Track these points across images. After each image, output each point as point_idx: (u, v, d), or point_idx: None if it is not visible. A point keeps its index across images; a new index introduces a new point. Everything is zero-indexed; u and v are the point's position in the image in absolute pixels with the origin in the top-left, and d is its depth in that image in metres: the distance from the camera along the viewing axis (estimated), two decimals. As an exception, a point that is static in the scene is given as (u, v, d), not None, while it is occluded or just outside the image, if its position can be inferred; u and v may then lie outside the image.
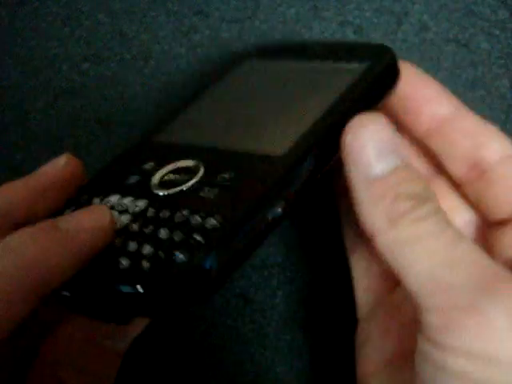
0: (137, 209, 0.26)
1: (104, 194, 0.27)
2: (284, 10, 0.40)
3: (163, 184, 0.27)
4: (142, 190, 0.27)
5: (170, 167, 0.28)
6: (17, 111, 0.37)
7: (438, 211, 0.23)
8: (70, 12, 0.39)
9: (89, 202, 0.27)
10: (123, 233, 0.25)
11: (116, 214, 0.26)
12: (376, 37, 0.39)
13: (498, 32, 0.39)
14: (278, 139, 0.28)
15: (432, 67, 0.39)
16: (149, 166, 0.28)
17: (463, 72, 0.39)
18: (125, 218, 0.26)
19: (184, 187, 0.27)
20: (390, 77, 0.30)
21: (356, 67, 0.30)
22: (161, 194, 0.27)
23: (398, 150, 0.24)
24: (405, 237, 0.22)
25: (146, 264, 0.23)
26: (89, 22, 0.39)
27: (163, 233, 0.24)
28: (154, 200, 0.26)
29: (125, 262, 0.23)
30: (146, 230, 0.25)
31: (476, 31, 0.39)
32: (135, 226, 0.25)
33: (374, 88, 0.29)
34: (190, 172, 0.27)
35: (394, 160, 0.23)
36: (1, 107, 0.34)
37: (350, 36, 0.39)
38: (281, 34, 0.39)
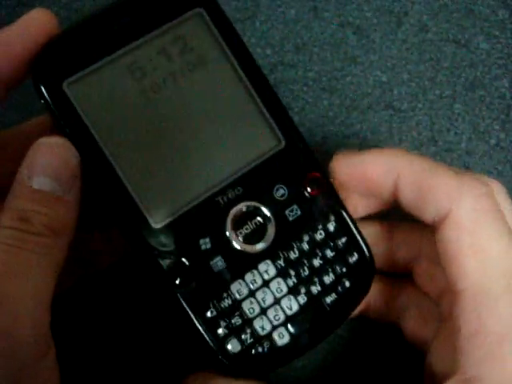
0: (268, 277, 0.26)
1: (224, 288, 0.26)
2: (284, 10, 0.40)
3: (247, 239, 0.26)
4: (243, 260, 0.26)
5: (235, 225, 0.27)
6: (17, 111, 0.36)
7: None
8: (70, 13, 0.39)
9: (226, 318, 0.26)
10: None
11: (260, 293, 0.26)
12: (376, 37, 0.39)
13: (497, 32, 0.39)
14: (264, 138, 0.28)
15: (432, 67, 0.39)
16: (208, 240, 0.26)
17: (463, 72, 0.39)
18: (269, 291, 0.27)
19: (272, 232, 0.27)
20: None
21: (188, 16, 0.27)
22: (259, 247, 0.26)
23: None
24: None
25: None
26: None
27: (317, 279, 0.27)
28: (260, 258, 0.26)
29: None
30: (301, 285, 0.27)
31: (476, 31, 0.39)
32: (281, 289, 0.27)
33: None
34: (251, 214, 0.27)
35: None
36: (1, 108, 0.34)
37: (350, 36, 0.39)
38: (281, 33, 0.39)
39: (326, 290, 0.27)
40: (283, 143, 0.27)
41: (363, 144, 0.37)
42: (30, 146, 0.24)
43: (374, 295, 0.31)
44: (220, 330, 0.26)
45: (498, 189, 0.26)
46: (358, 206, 0.29)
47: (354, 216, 0.28)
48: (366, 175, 0.27)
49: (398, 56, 0.39)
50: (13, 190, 0.23)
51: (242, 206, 0.27)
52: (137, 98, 0.26)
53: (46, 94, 0.25)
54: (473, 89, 0.38)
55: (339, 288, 0.27)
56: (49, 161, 0.23)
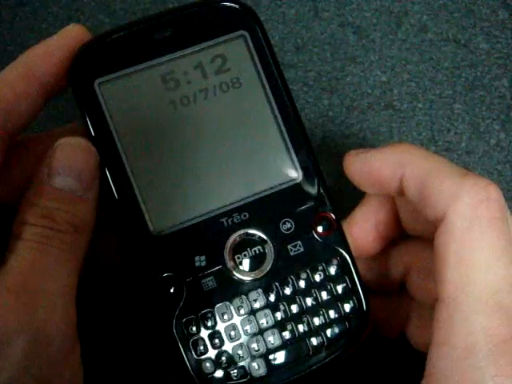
0: (256, 306, 0.26)
1: (210, 310, 0.26)
2: (284, 10, 0.40)
3: (243, 266, 0.26)
4: (234, 287, 0.26)
5: (232, 251, 0.26)
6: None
7: None
8: (70, 13, 0.39)
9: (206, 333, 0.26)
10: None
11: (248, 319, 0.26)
12: (376, 37, 0.39)
13: (497, 32, 0.39)
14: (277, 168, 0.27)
15: (432, 67, 0.39)
16: (204, 259, 0.26)
17: (463, 72, 0.39)
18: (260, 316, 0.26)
19: (269, 263, 0.26)
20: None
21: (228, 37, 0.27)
22: (253, 276, 0.26)
23: None
24: None
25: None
26: (89, 23, 0.39)
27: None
28: (253, 286, 0.26)
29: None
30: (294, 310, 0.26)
31: (476, 31, 0.39)
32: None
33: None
34: (252, 242, 0.27)
35: None
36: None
37: (350, 36, 0.39)
38: (281, 33, 0.39)
39: (313, 331, 0.26)
40: (300, 178, 0.27)
41: (363, 144, 0.37)
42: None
43: (375, 313, 0.30)
44: (197, 349, 0.25)
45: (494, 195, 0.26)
46: None
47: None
48: (373, 173, 0.27)
49: (398, 56, 0.39)
50: (34, 189, 0.24)
51: (245, 232, 0.26)
52: (164, 108, 0.26)
53: (77, 90, 0.26)
54: (473, 89, 0.38)
55: (326, 333, 0.26)
56: (70, 161, 0.24)
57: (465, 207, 0.24)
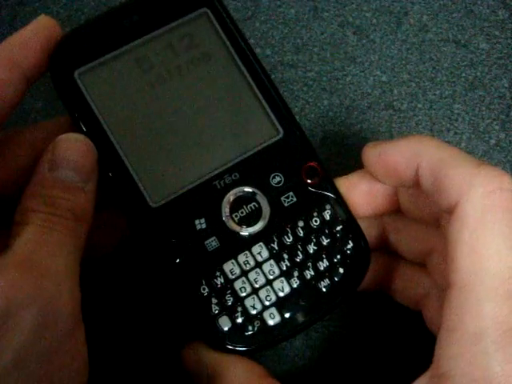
0: (261, 259, 0.28)
1: (217, 265, 0.27)
2: (284, 10, 0.40)
3: (242, 222, 0.28)
4: (237, 242, 0.27)
5: (230, 207, 0.28)
6: (17, 111, 0.36)
7: None
8: (70, 12, 0.39)
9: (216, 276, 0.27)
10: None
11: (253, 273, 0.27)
12: (376, 37, 0.39)
13: (497, 32, 0.39)
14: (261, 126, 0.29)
15: (432, 67, 0.39)
16: (204, 221, 0.28)
17: (463, 72, 0.39)
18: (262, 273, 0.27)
19: (267, 216, 0.28)
20: None
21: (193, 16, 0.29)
22: (253, 230, 0.28)
23: None
24: None
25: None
26: (89, 23, 0.39)
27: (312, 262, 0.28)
28: (254, 240, 0.28)
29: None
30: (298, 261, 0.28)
31: (475, 31, 0.39)
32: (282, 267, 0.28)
33: None
34: (247, 199, 0.28)
35: None
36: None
37: (350, 36, 0.39)
38: (281, 33, 0.39)
39: (320, 275, 0.28)
40: (281, 133, 0.29)
41: (363, 144, 0.37)
42: (48, 142, 0.26)
43: (393, 275, 0.31)
44: (211, 307, 0.27)
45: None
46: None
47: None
48: (389, 165, 0.27)
49: (398, 56, 0.39)
50: (36, 180, 0.25)
51: (238, 191, 0.28)
52: (143, 88, 0.28)
53: (58, 83, 0.27)
54: (473, 89, 0.38)
55: (333, 275, 0.28)
56: (70, 154, 0.25)
57: (478, 196, 0.24)
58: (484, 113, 0.38)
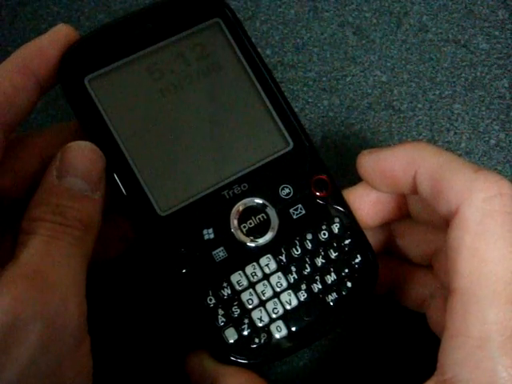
0: (268, 271, 0.27)
1: (225, 276, 0.27)
2: (284, 10, 0.40)
3: (250, 233, 0.27)
4: (244, 254, 0.27)
5: (238, 219, 0.28)
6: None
7: None
8: (70, 13, 0.39)
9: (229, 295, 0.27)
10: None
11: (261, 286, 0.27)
12: (376, 37, 0.39)
13: (497, 32, 0.39)
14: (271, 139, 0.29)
15: (432, 67, 0.39)
16: (212, 231, 0.27)
17: (462, 72, 0.39)
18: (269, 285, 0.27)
19: (275, 228, 0.28)
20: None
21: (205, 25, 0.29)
22: (261, 241, 0.27)
23: None
24: None
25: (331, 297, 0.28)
26: (89, 23, 0.39)
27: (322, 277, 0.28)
28: (262, 252, 0.27)
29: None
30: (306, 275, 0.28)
31: (475, 32, 0.39)
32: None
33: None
34: (256, 210, 0.28)
35: None
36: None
37: (350, 36, 0.39)
38: (281, 33, 0.39)
39: (327, 289, 0.27)
40: (291, 145, 0.29)
41: (363, 144, 0.37)
42: (56, 146, 0.26)
43: (399, 278, 0.31)
44: (218, 319, 0.26)
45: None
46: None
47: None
48: (386, 172, 0.27)
49: (398, 56, 0.39)
50: (44, 188, 0.25)
51: (247, 201, 0.28)
52: (153, 96, 0.28)
53: (68, 88, 0.27)
54: (473, 89, 0.38)
55: (341, 288, 0.28)
56: (79, 163, 0.25)
57: (478, 201, 0.24)
58: (484, 113, 0.38)
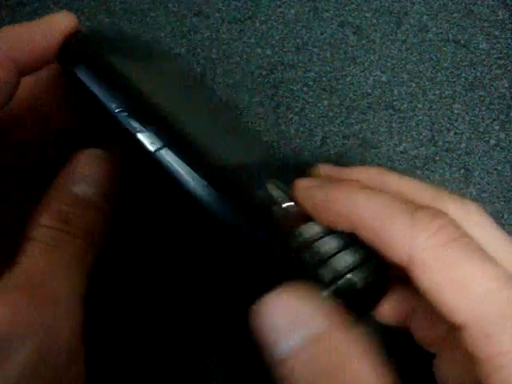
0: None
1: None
2: (284, 10, 0.40)
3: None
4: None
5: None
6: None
7: None
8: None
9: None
10: None
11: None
12: (376, 37, 0.39)
13: (497, 32, 0.39)
14: None
15: (432, 67, 0.39)
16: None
17: (462, 72, 0.39)
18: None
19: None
20: None
21: None
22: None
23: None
24: None
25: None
26: (89, 23, 0.39)
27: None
28: None
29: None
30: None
31: (475, 32, 0.39)
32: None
33: None
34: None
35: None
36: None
37: (350, 36, 0.39)
38: (281, 33, 0.39)
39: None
40: None
41: (363, 144, 0.37)
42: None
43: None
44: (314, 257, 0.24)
45: (473, 209, 0.25)
46: None
47: None
48: (330, 212, 0.25)
49: (398, 56, 0.39)
50: (52, 194, 0.24)
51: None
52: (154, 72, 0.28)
53: (71, 73, 0.26)
54: (473, 89, 0.38)
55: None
56: (90, 171, 0.25)
57: (426, 241, 0.23)
58: (484, 113, 0.38)
